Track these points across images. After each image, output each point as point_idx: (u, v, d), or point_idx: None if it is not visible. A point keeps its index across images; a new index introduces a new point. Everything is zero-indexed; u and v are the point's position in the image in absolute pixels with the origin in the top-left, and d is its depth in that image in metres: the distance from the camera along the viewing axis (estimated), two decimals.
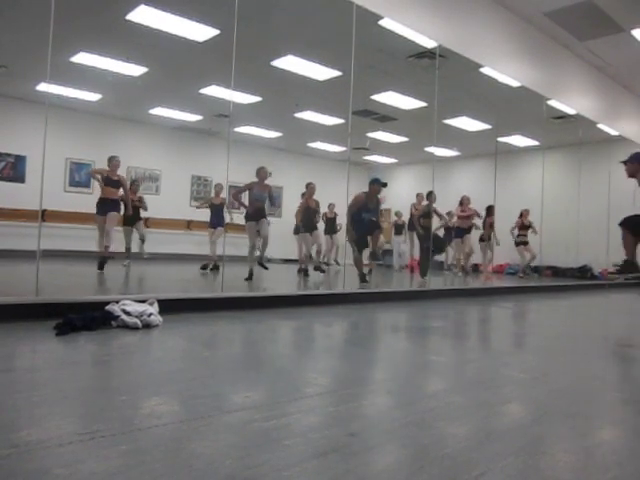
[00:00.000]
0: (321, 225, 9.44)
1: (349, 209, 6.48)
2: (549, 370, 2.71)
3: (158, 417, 1.65)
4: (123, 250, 8.03)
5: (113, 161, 7.18)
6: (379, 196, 6.85)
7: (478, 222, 9.73)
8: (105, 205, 7.13)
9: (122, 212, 7.56)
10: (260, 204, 6.78)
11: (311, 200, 8.41)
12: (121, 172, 7.38)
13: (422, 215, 8.27)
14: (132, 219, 7.91)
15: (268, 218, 6.88)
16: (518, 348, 3.54)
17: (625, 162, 5.13)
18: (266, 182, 6.89)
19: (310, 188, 8.34)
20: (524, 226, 10.29)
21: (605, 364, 2.97)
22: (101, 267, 6.83)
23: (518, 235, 10.30)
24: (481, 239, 9.83)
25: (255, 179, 6.82)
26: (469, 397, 2.08)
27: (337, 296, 5.38)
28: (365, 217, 6.48)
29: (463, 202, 9.58)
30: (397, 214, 11.55)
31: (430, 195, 8.23)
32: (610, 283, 10.19)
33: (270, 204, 6.94)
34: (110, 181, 7.13)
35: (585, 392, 2.29)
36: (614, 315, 6.05)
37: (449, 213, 9.99)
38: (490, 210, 9.41)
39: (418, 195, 9.80)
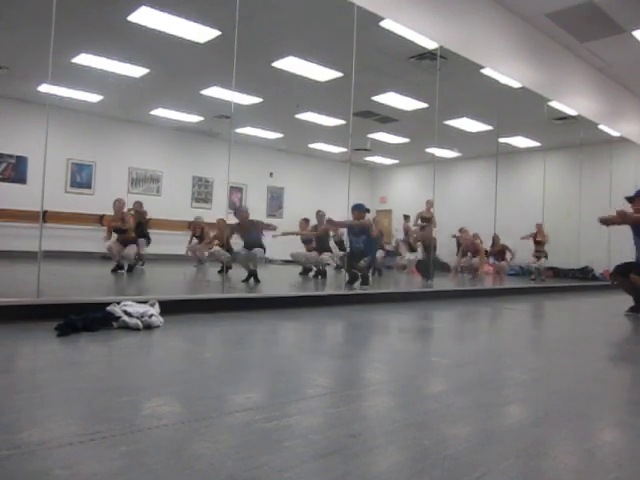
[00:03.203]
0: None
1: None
2: (551, 371, 2.71)
3: (159, 418, 1.65)
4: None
5: (115, 206, 7.55)
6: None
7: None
8: (123, 241, 7.56)
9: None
10: (249, 240, 6.74)
11: (322, 229, 8.50)
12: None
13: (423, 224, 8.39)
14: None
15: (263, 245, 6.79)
16: (520, 349, 3.53)
17: (630, 199, 5.09)
18: (250, 218, 6.82)
19: (319, 217, 8.53)
20: (537, 242, 9.97)
21: (607, 365, 2.97)
22: (116, 269, 7.23)
23: (536, 251, 10.06)
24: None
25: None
26: (470, 398, 2.07)
27: (339, 297, 5.37)
28: (350, 239, 6.69)
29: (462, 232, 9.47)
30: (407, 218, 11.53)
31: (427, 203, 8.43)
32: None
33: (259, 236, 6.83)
34: (119, 230, 7.52)
35: (587, 393, 2.28)
36: (616, 316, 6.04)
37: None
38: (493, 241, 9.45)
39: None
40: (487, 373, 2.59)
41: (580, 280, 10.90)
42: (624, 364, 3.09)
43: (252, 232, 6.72)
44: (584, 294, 8.59)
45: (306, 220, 9.20)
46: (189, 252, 9.33)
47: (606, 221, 5.30)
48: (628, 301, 5.53)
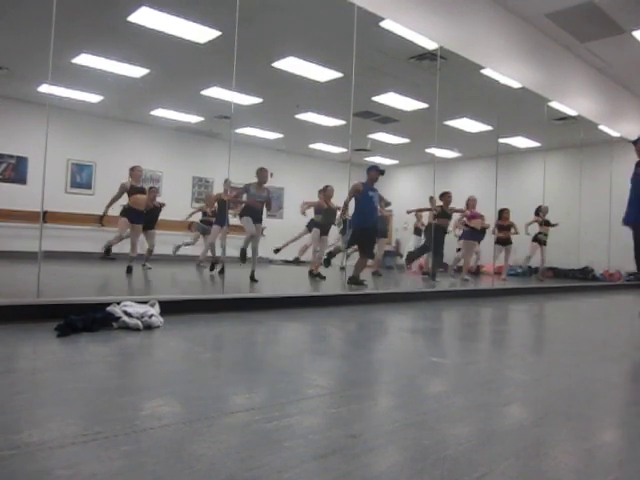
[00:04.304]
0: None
1: (349, 195, 6.39)
2: (551, 372, 2.71)
3: (159, 418, 1.65)
4: (126, 251, 8.01)
5: (135, 170, 7.34)
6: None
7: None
8: (135, 214, 7.27)
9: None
10: (259, 204, 6.65)
11: (330, 202, 8.32)
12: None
13: (438, 215, 8.23)
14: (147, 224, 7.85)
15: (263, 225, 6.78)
16: (520, 349, 3.54)
17: (635, 142, 5.09)
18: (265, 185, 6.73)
19: (328, 191, 8.28)
20: (543, 223, 10.06)
21: (607, 366, 2.96)
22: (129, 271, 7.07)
23: (539, 232, 10.09)
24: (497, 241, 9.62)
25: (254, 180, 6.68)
26: (470, 398, 2.08)
27: (340, 297, 5.37)
28: (372, 195, 6.37)
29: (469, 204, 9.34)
30: (417, 216, 11.53)
31: (444, 195, 8.25)
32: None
33: (267, 208, 6.76)
34: (136, 189, 7.28)
35: (587, 394, 2.28)
36: (617, 317, 6.05)
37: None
38: (501, 214, 9.40)
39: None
40: (487, 373, 2.59)
41: (580, 280, 10.90)
42: (624, 364, 3.09)
43: (263, 198, 6.59)
44: (584, 294, 8.59)
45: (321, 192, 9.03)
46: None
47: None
48: (629, 302, 5.52)
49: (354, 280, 6.21)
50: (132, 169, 7.33)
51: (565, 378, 2.57)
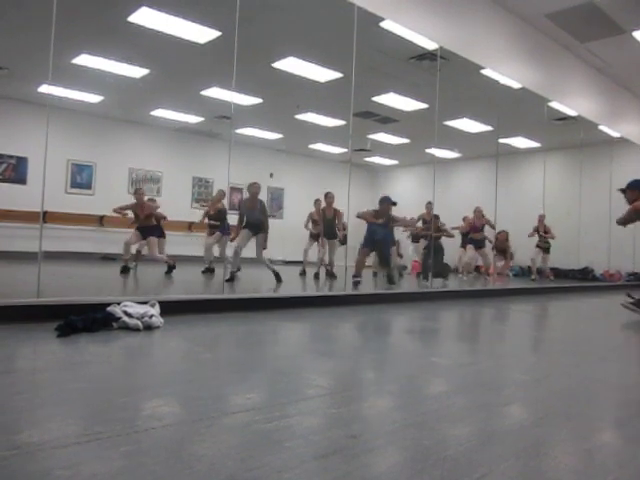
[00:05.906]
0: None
1: (361, 217, 6.85)
2: (551, 372, 2.71)
3: (159, 418, 1.65)
4: (121, 251, 8.02)
5: (139, 193, 7.50)
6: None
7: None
8: (144, 231, 7.43)
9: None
10: (253, 220, 6.73)
11: (329, 210, 8.38)
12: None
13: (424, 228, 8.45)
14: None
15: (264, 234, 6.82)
16: (520, 350, 3.54)
17: (624, 190, 5.16)
18: (259, 196, 6.91)
19: (329, 198, 8.34)
20: (542, 230, 10.08)
21: (607, 366, 2.97)
22: (124, 271, 7.18)
23: (540, 240, 10.17)
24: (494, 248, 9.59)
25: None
26: (470, 399, 2.08)
27: (340, 298, 5.37)
28: (374, 229, 6.75)
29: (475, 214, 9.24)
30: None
31: (429, 205, 8.43)
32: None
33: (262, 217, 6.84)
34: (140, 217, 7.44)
35: (587, 394, 2.28)
36: (617, 317, 6.04)
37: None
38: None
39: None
40: (487, 373, 2.59)
41: (580, 281, 10.90)
42: (624, 364, 3.09)
43: (257, 210, 6.73)
44: (585, 294, 8.59)
45: (317, 200, 9.06)
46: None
47: (624, 221, 5.37)
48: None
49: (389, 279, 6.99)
50: (135, 190, 7.64)
51: (565, 378, 2.57)
